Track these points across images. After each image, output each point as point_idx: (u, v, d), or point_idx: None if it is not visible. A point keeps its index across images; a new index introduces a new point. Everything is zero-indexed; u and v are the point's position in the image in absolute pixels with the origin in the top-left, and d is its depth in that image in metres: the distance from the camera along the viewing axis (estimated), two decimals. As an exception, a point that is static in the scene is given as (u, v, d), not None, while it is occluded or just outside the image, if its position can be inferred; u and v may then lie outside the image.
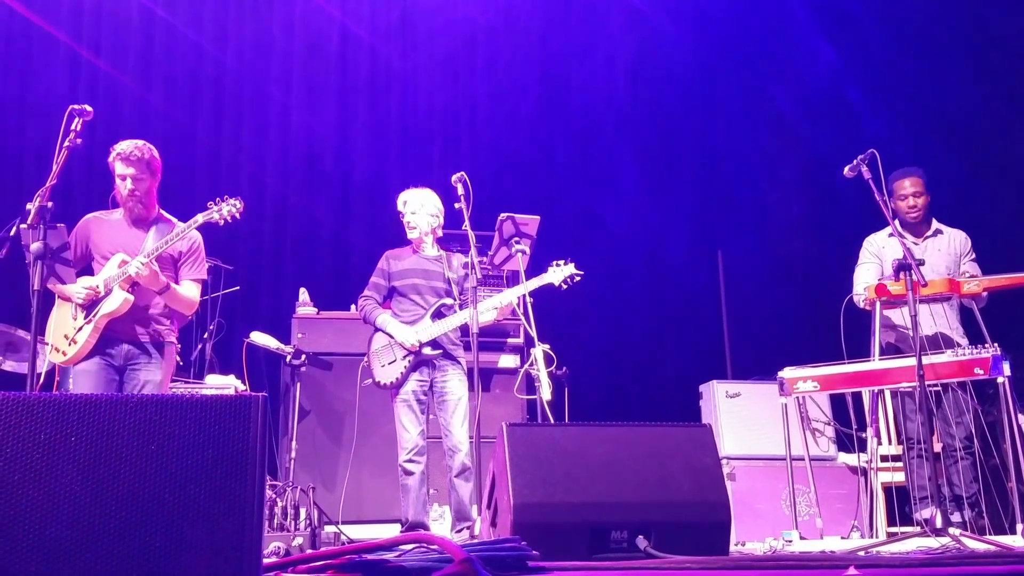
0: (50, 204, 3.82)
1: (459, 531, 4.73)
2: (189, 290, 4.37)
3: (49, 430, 1.88)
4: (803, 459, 5.05)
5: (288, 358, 5.79)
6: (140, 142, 4.30)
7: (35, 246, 3.80)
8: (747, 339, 7.80)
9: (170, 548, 1.85)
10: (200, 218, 4.23)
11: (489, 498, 3.36)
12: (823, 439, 5.80)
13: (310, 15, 7.72)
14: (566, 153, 7.99)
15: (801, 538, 4.57)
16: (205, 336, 6.23)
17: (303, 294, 6.32)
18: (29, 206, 3.82)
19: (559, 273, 4.86)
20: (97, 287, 4.16)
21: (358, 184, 7.58)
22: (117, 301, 4.13)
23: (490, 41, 7.98)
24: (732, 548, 3.73)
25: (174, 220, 4.46)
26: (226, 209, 4.24)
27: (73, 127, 3.98)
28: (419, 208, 5.08)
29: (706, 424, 3.51)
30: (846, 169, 4.70)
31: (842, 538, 4.78)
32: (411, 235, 5.13)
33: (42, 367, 4.27)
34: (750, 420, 5.89)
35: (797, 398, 5.23)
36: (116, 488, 1.87)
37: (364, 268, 7.34)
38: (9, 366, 5.67)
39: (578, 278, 4.88)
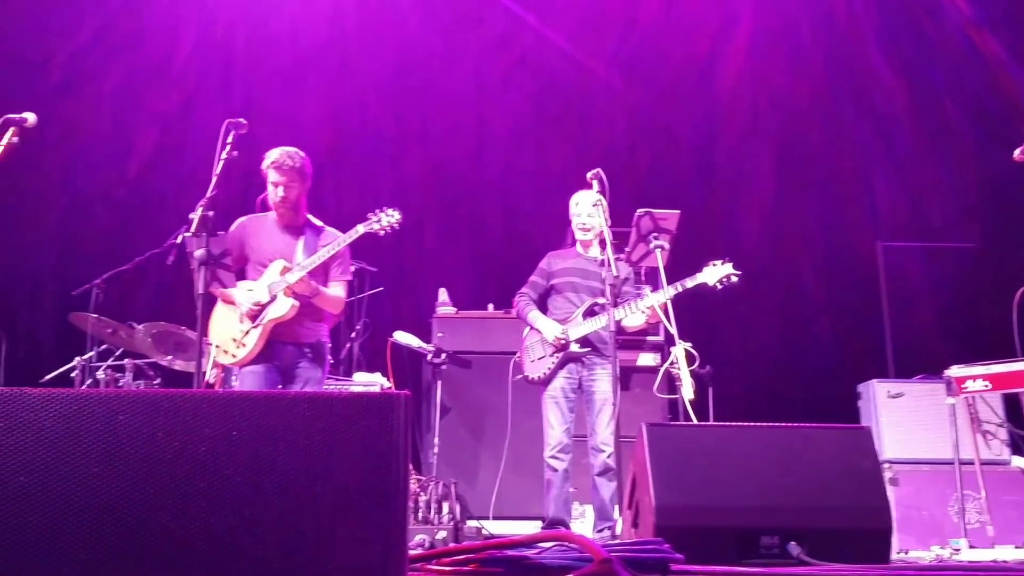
0: (211, 213, 4.02)
1: (600, 531, 4.71)
2: (336, 291, 4.53)
3: (213, 425, 1.97)
4: (973, 463, 4.81)
5: (429, 356, 5.91)
6: (292, 150, 4.49)
7: (199, 253, 4.02)
8: (910, 335, 7.38)
9: (320, 540, 1.90)
10: (361, 228, 4.40)
11: (630, 499, 3.32)
12: (995, 442, 5.48)
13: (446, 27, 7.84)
14: (702, 144, 7.76)
15: (970, 547, 4.36)
16: (352, 335, 6.44)
17: (442, 294, 6.43)
18: (192, 216, 4.04)
19: (715, 273, 4.72)
20: (261, 298, 4.35)
21: (494, 185, 7.64)
22: (284, 308, 4.33)
23: (620, 36, 7.86)
24: (894, 556, 3.56)
25: (325, 227, 4.63)
26: (385, 220, 4.41)
27: (229, 140, 4.18)
28: (595, 210, 4.93)
29: (865, 426, 3.36)
30: (1016, 152, 4.41)
31: (1016, 547, 4.51)
32: (584, 236, 5.08)
33: (207, 366, 4.50)
34: (914, 422, 5.66)
35: (966, 398, 4.98)
36: (271, 481, 1.93)
37: (501, 268, 7.47)
38: (179, 365, 6.03)
39: (735, 278, 4.72)
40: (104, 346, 6.03)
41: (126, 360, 5.91)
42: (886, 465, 5.40)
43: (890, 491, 4.96)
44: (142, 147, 7.67)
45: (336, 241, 4.40)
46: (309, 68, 7.81)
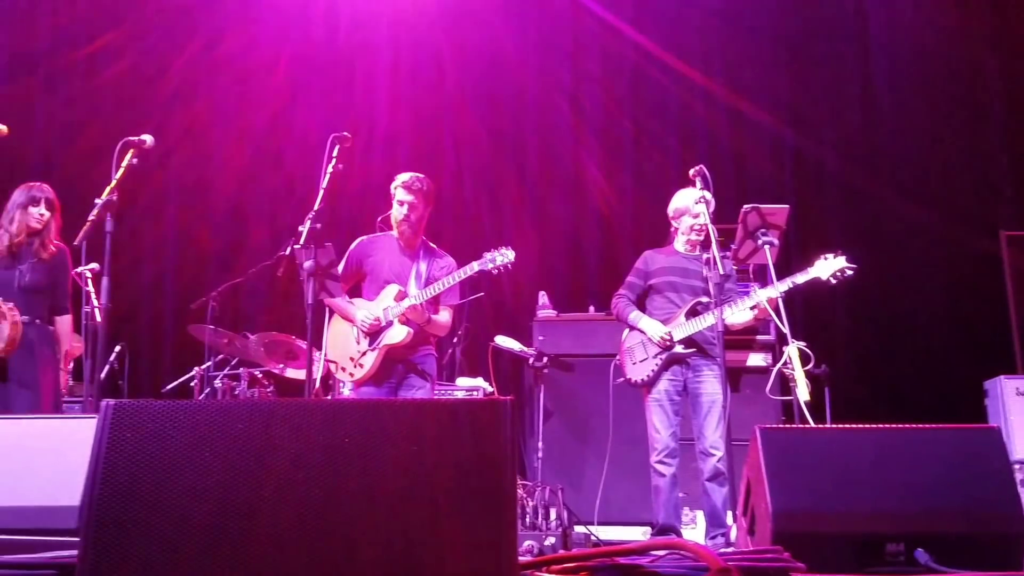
0: (319, 226, 4.15)
1: (713, 537, 4.61)
2: (444, 316, 4.75)
3: (325, 433, 2.00)
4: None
5: (531, 360, 5.91)
6: (420, 175, 4.75)
7: (307, 264, 4.15)
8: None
9: (432, 546, 1.91)
10: (476, 266, 4.59)
11: (744, 505, 3.23)
12: None
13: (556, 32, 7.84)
14: (798, 132, 7.52)
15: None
16: (455, 340, 6.50)
17: (542, 297, 6.43)
18: (301, 228, 4.17)
19: (828, 267, 4.56)
20: (379, 318, 4.59)
21: (593, 187, 7.59)
22: (400, 335, 4.58)
23: (717, 32, 7.70)
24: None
25: (438, 251, 4.86)
26: (500, 259, 4.59)
27: (335, 153, 4.29)
28: (699, 207, 4.81)
29: (994, 426, 3.19)
30: None
31: None
32: (698, 238, 4.93)
33: (317, 374, 4.64)
34: (1047, 419, 5.36)
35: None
36: (383, 488, 1.95)
37: (601, 270, 7.42)
38: (290, 373, 6.22)
39: (849, 272, 4.56)
40: (220, 356, 6.25)
41: (241, 369, 6.11)
42: (1017, 466, 5.13)
43: (1022, 494, 4.70)
44: (250, 161, 7.92)
45: (449, 276, 4.62)
46: (404, 79, 7.92)
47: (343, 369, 4.67)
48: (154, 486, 1.93)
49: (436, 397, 5.23)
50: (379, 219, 4.93)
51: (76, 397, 6.12)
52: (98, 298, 4.61)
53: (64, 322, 4.90)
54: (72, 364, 5.84)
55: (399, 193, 4.71)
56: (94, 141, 7.60)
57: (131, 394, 6.75)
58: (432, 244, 4.89)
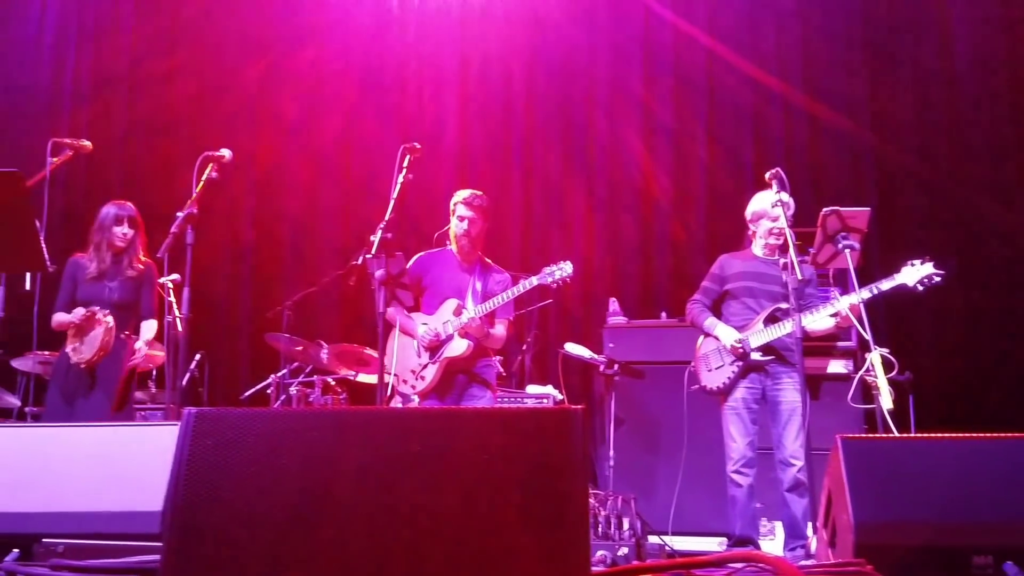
0: (389, 235, 4.21)
1: (792, 549, 4.51)
2: (500, 330, 4.82)
3: (396, 442, 2.02)
4: None
5: (601, 368, 5.87)
6: (479, 192, 4.87)
7: (378, 273, 4.21)
8: None
9: (503, 556, 1.90)
10: (535, 281, 4.64)
11: (825, 516, 3.15)
12: None
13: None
14: (881, 137, 7.31)
15: None
16: (524, 348, 6.50)
17: (613, 304, 6.38)
18: (372, 238, 4.22)
19: (915, 273, 4.45)
20: (439, 333, 4.68)
21: (663, 193, 7.52)
22: (461, 348, 4.68)
23: (792, 36, 7.55)
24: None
25: (494, 267, 4.94)
26: (558, 274, 4.62)
27: (405, 164, 4.34)
28: (776, 211, 4.71)
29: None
30: None
31: None
32: (777, 241, 4.82)
33: (389, 380, 4.71)
34: None
35: None
36: (453, 497, 1.96)
37: (672, 276, 7.34)
38: (363, 377, 6.32)
39: (937, 279, 4.44)
40: (295, 364, 6.37)
41: (315, 376, 6.21)
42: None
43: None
44: (321, 172, 8.06)
45: (509, 291, 4.70)
46: (474, 88, 7.97)
47: (404, 381, 4.76)
48: (233, 491, 1.97)
49: (504, 405, 5.25)
50: (436, 235, 5.05)
51: (158, 404, 6.30)
52: (179, 308, 4.74)
53: (149, 326, 5.08)
54: (154, 372, 6.02)
55: (459, 209, 4.81)
56: (174, 155, 7.85)
57: (210, 401, 6.92)
58: (488, 260, 4.97)
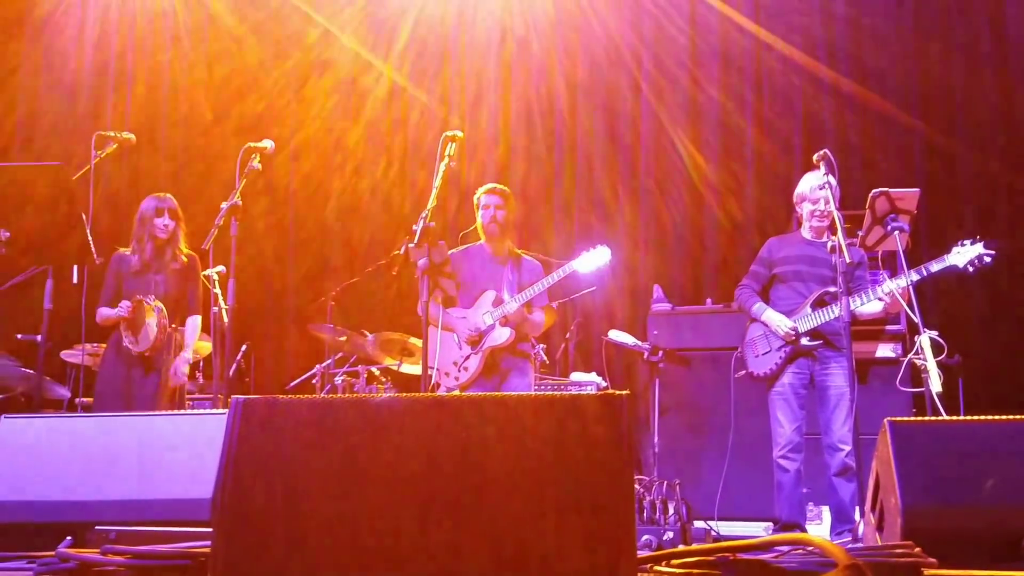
0: (433, 224, 4.21)
1: (840, 533, 4.47)
2: (538, 316, 4.85)
3: (443, 431, 2.02)
4: None
5: (646, 354, 5.84)
6: (499, 184, 4.97)
7: (421, 262, 4.21)
8: None
9: (549, 541, 1.90)
10: (572, 265, 4.71)
11: (873, 500, 3.12)
12: None
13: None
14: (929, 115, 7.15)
15: None
16: (567, 335, 6.50)
17: (657, 291, 6.35)
18: (414, 227, 4.23)
19: (965, 254, 4.36)
20: (479, 327, 4.73)
21: (708, 179, 7.44)
22: (504, 336, 4.73)
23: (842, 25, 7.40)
24: None
25: (529, 257, 4.96)
26: (596, 258, 4.70)
27: (448, 152, 4.33)
28: (823, 193, 4.71)
29: None
30: None
31: None
32: (820, 224, 4.82)
33: (433, 370, 4.75)
34: None
35: None
36: (500, 484, 1.96)
37: (717, 262, 7.27)
38: (406, 368, 6.36)
39: (988, 259, 4.35)
40: (340, 354, 6.43)
41: (359, 366, 6.27)
42: None
43: None
44: (363, 161, 8.11)
45: (548, 277, 4.74)
46: (517, 75, 7.95)
47: (447, 375, 4.82)
48: (281, 478, 1.99)
49: (552, 393, 5.25)
50: (461, 235, 5.12)
51: (206, 394, 6.41)
52: (225, 299, 4.80)
53: (193, 322, 5.13)
54: (201, 363, 6.11)
55: (483, 199, 4.88)
56: (216, 147, 7.95)
57: (257, 391, 7.02)
58: (519, 250, 5.01)
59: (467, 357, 4.76)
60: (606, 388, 5.96)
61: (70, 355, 6.35)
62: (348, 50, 8.13)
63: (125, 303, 4.90)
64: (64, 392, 6.52)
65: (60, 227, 3.63)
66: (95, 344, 5.66)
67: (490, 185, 4.95)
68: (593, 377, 5.97)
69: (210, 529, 2.01)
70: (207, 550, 2.07)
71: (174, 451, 2.73)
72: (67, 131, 8.08)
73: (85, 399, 5.99)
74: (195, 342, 5.17)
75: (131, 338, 4.91)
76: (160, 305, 4.90)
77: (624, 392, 2.01)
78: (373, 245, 7.74)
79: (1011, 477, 2.74)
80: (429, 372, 4.76)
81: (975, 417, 2.96)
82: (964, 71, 7.08)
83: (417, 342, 5.94)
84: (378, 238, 7.82)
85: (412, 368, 6.33)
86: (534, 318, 4.83)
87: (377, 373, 6.38)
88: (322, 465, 2.00)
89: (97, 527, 2.46)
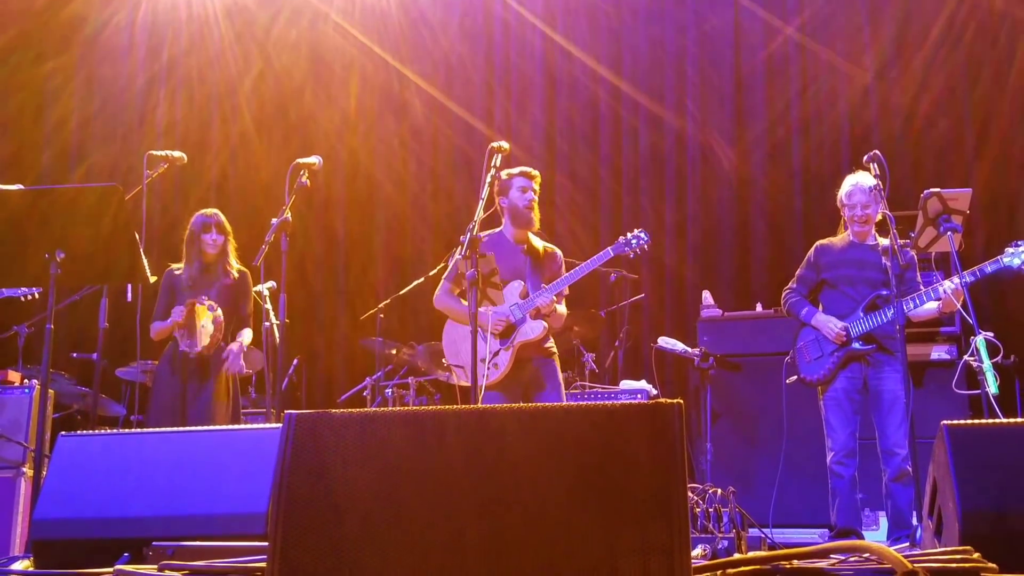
0: (481, 235, 4.18)
1: (897, 539, 4.39)
2: (563, 308, 4.70)
3: (492, 440, 2.03)
4: None
5: (696, 361, 5.80)
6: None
7: (469, 273, 4.20)
8: None
9: (603, 552, 1.90)
10: (611, 251, 4.59)
11: (931, 505, 3.06)
12: None
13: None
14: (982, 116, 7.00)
15: None
16: (616, 343, 6.48)
17: (707, 296, 6.30)
18: (462, 238, 4.23)
19: (1020, 255, 4.30)
20: (509, 316, 4.54)
21: (755, 182, 7.37)
22: (536, 330, 4.54)
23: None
24: None
25: (548, 243, 4.81)
26: (635, 243, 4.59)
27: (493, 163, 4.34)
28: (871, 197, 4.64)
29: None
30: None
31: None
32: (862, 229, 4.75)
33: (482, 380, 4.68)
34: None
35: None
36: (554, 493, 1.96)
37: (767, 267, 7.19)
38: (455, 380, 6.36)
39: None
40: (390, 366, 6.48)
41: (410, 378, 6.32)
42: None
43: None
44: (411, 174, 8.18)
45: (589, 262, 4.58)
46: (562, 82, 7.96)
47: (469, 371, 4.56)
48: (334, 492, 2.01)
49: (600, 402, 5.21)
50: (474, 221, 4.86)
51: (259, 409, 6.50)
52: (276, 315, 4.85)
53: (245, 335, 5.18)
54: (254, 377, 6.19)
55: (520, 181, 4.63)
56: (267, 164, 8.08)
57: (309, 405, 7.11)
58: (535, 237, 4.79)
59: (496, 353, 4.53)
60: (656, 396, 5.92)
61: (125, 373, 6.46)
62: (390, 65, 8.21)
63: (178, 308, 4.90)
64: (120, 409, 6.65)
65: (114, 246, 3.69)
66: (150, 361, 5.75)
67: (524, 168, 4.70)
68: (643, 385, 5.93)
69: (266, 543, 2.04)
70: (263, 565, 2.10)
71: (229, 466, 2.76)
72: (118, 146, 8.27)
73: (140, 416, 6.09)
74: (248, 342, 5.19)
75: (187, 341, 4.89)
76: (213, 304, 4.90)
77: (677, 400, 2.00)
78: (423, 257, 7.80)
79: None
80: (459, 369, 4.67)
81: (1035, 419, 2.90)
82: (1015, 72, 6.92)
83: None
84: (422, 252, 7.87)
85: (461, 380, 6.35)
86: (560, 309, 4.64)
87: (427, 384, 6.42)
88: (372, 478, 2.02)
89: (154, 543, 2.49)
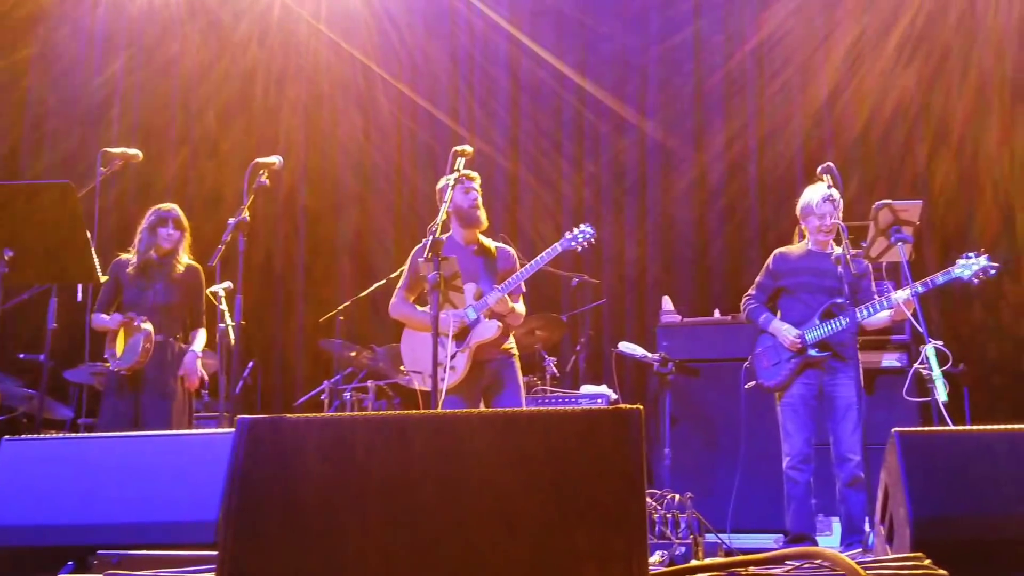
0: (443, 238, 4.15)
1: (850, 545, 4.44)
2: (521, 307, 4.68)
3: (454, 446, 2.01)
4: None
5: (656, 366, 5.83)
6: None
7: (430, 276, 4.17)
8: None
9: (561, 558, 1.89)
10: (558, 246, 4.55)
11: (883, 511, 3.10)
12: None
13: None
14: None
15: None
16: (577, 348, 6.49)
17: (666, 302, 6.34)
18: (424, 241, 4.21)
19: (970, 267, 4.37)
20: (465, 318, 4.52)
21: (715, 192, 7.43)
22: (491, 330, 4.51)
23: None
24: None
25: (499, 242, 4.80)
26: (581, 237, 4.57)
27: (456, 166, 4.32)
28: (828, 206, 4.66)
29: None
30: None
31: None
32: (827, 237, 4.76)
33: (443, 384, 4.65)
34: None
35: None
36: (512, 499, 1.95)
37: (726, 273, 7.26)
38: (416, 384, 6.32)
39: (993, 272, 4.38)
40: (349, 369, 6.42)
41: (369, 382, 6.26)
42: None
43: None
44: (372, 175, 8.13)
45: (537, 259, 4.54)
46: (525, 87, 7.96)
47: (429, 376, 4.50)
48: (287, 500, 1.98)
49: (559, 406, 5.20)
50: (429, 227, 4.81)
51: (211, 412, 6.39)
52: (232, 316, 4.78)
53: (199, 336, 5.11)
54: (208, 380, 6.09)
55: (464, 182, 4.56)
56: (225, 164, 7.98)
57: (264, 409, 7.01)
58: (484, 238, 4.77)
59: (454, 356, 4.49)
60: (616, 401, 5.94)
61: (74, 375, 6.32)
62: (358, 63, 8.16)
63: (117, 316, 4.83)
64: (67, 412, 6.49)
65: (65, 245, 3.61)
66: (99, 363, 5.62)
67: (464, 170, 4.52)
68: (603, 390, 5.95)
69: (215, 552, 2.00)
70: (212, 574, 2.06)
71: (178, 472, 2.70)
72: (74, 144, 8.13)
73: (88, 419, 5.96)
74: (202, 346, 5.12)
75: (112, 351, 4.82)
76: (149, 328, 4.82)
77: (636, 407, 2.00)
78: (382, 259, 7.75)
79: (1018, 486, 2.72)
80: (417, 375, 4.66)
81: (982, 426, 2.94)
82: (964, 86, 7.05)
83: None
84: (387, 252, 7.82)
85: (422, 384, 6.31)
86: (518, 308, 4.62)
87: (386, 388, 6.37)
88: (328, 485, 1.99)
89: (100, 551, 2.43)
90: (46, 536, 2.67)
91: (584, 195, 7.68)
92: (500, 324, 4.51)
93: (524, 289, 4.73)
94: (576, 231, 4.56)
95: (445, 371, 4.41)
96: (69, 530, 2.64)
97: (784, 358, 4.74)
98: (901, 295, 4.43)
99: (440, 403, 4.19)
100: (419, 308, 4.68)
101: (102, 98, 8.37)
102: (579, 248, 4.56)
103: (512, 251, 4.78)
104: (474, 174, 4.65)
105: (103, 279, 3.83)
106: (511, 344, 4.70)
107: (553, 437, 2.00)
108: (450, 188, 4.37)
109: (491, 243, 4.78)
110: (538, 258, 4.56)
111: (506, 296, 4.46)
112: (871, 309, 4.52)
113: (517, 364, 4.69)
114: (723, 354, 5.86)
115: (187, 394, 5.03)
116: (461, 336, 4.52)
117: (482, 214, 4.64)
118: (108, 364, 4.90)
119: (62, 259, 3.66)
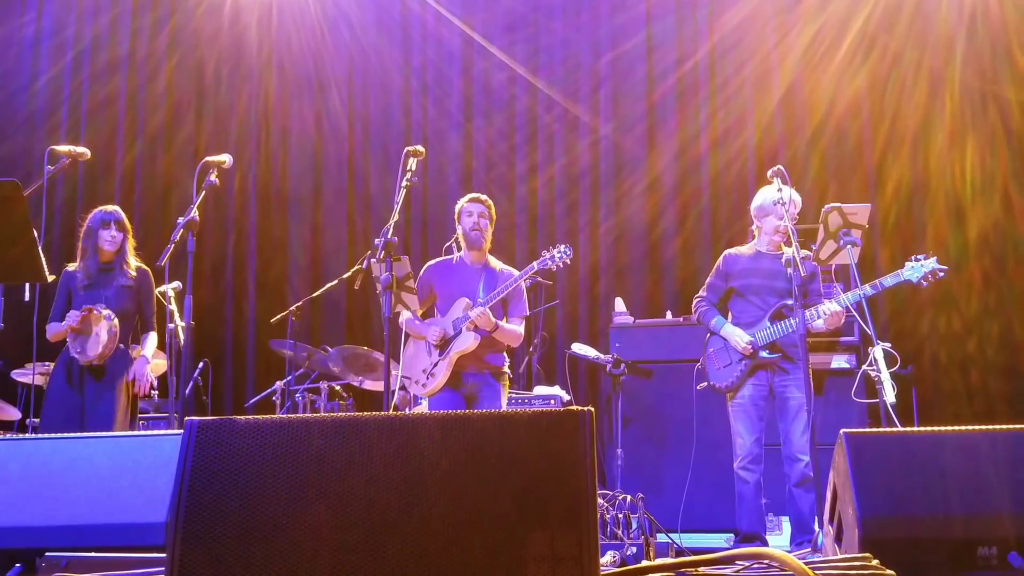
0: (395, 239, 4.20)
1: (799, 544, 4.51)
2: (515, 326, 4.80)
3: (405, 448, 2.01)
4: None
5: (608, 367, 5.87)
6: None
7: (383, 277, 4.19)
8: None
9: (513, 559, 1.90)
10: (535, 266, 4.67)
11: (831, 511, 3.15)
12: None
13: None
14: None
15: None
16: (531, 349, 6.50)
17: (619, 303, 6.38)
18: (377, 241, 4.22)
19: (919, 270, 4.47)
20: (445, 330, 4.70)
21: (667, 194, 7.49)
22: (467, 341, 4.66)
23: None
24: None
25: (502, 265, 4.95)
26: (558, 256, 4.65)
27: (409, 167, 4.32)
28: (779, 208, 4.69)
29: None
30: None
31: None
32: (780, 239, 4.85)
33: (395, 386, 4.70)
34: None
35: None
36: (464, 500, 1.95)
37: (677, 274, 7.32)
38: (368, 385, 6.31)
39: (942, 274, 4.48)
40: (301, 370, 6.37)
41: (321, 382, 6.21)
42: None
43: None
44: (326, 176, 8.07)
45: (511, 279, 4.70)
46: (478, 92, 7.96)
47: (416, 382, 4.79)
48: (239, 502, 1.96)
49: (513, 408, 5.21)
50: (444, 247, 5.07)
51: (161, 414, 6.30)
52: (181, 316, 4.71)
53: (150, 340, 5.02)
54: (157, 381, 6.00)
55: (467, 206, 4.85)
56: (174, 162, 7.86)
57: (215, 409, 6.92)
58: (494, 259, 4.98)
59: (435, 364, 4.72)
60: (569, 402, 5.97)
61: (21, 375, 6.23)
62: (310, 61, 8.10)
63: (74, 313, 4.74)
64: (14, 412, 6.38)
65: (11, 244, 3.52)
66: (48, 363, 5.52)
67: (474, 195, 4.92)
68: (556, 391, 5.97)
69: (164, 555, 1.97)
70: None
71: (127, 474, 2.66)
72: (20, 142, 7.95)
73: (35, 420, 5.85)
74: (153, 351, 5.04)
75: (79, 348, 4.73)
76: (110, 313, 4.76)
77: (588, 408, 2.01)
78: (335, 259, 7.69)
79: (964, 486, 2.78)
80: (403, 379, 4.84)
81: (929, 428, 3.01)
82: (914, 89, 7.21)
83: (380, 356, 5.90)
84: (340, 252, 7.77)
85: (375, 384, 6.28)
86: (509, 327, 4.75)
87: (339, 389, 6.32)
88: (279, 487, 1.97)
89: (47, 554, 2.39)
90: (-8, 538, 2.60)
91: (539, 195, 7.69)
92: (479, 337, 4.63)
93: (528, 312, 4.93)
94: (554, 250, 4.66)
95: (426, 376, 4.73)
96: (15, 532, 2.59)
97: (735, 360, 4.79)
98: (831, 307, 4.54)
99: (392, 405, 4.22)
100: (421, 320, 4.87)
101: (48, 96, 8.21)
102: (555, 268, 4.67)
103: (511, 272, 4.90)
104: (482, 197, 4.89)
105: (50, 279, 3.73)
106: (501, 364, 4.84)
107: (506, 438, 2.00)
108: (456, 213, 4.79)
109: (500, 264, 4.96)
110: (515, 276, 4.72)
111: (487, 311, 4.57)
112: (819, 311, 4.60)
113: (501, 387, 4.81)
114: (675, 355, 5.91)
115: (133, 398, 4.95)
116: (442, 346, 4.72)
117: (484, 236, 4.81)
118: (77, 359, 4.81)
119: (10, 259, 3.56)
